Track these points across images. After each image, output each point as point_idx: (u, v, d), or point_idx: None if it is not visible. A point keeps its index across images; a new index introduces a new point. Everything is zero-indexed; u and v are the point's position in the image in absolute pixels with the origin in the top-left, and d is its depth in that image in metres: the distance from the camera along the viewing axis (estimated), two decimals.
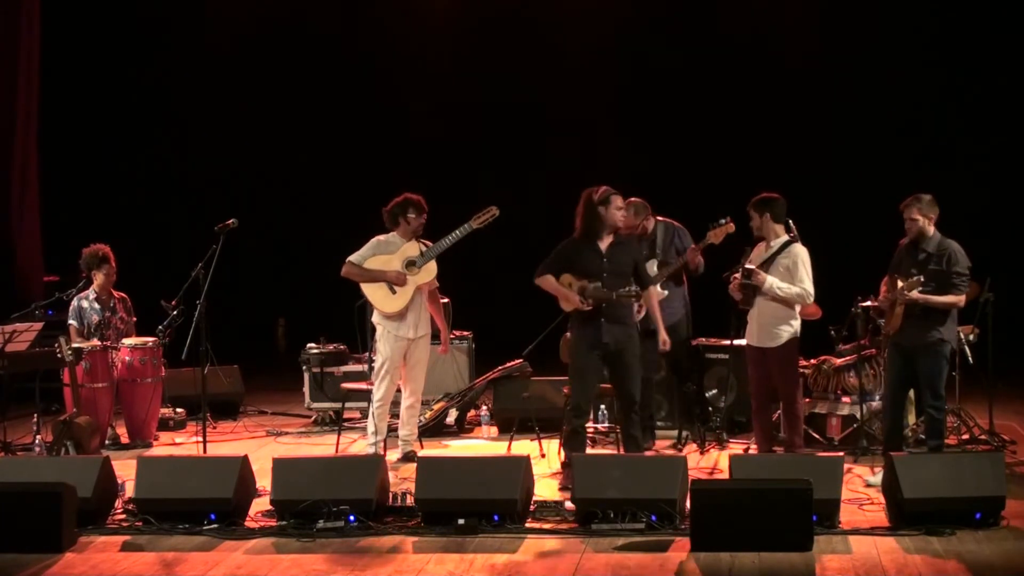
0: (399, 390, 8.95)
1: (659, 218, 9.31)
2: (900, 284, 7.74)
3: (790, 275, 8.10)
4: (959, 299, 7.81)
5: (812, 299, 8.17)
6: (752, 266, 8.14)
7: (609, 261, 7.95)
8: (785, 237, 8.24)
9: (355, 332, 9.65)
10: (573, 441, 7.99)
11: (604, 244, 7.97)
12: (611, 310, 7.93)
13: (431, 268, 8.75)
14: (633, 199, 9.04)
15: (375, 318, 8.86)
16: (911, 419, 8.67)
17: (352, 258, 8.76)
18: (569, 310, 8.00)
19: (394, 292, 8.70)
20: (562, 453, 8.18)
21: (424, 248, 8.77)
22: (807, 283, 8.11)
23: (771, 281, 8.07)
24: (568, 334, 8.24)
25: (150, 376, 9.76)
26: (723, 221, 8.56)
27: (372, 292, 8.76)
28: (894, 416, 8.07)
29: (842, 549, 6.47)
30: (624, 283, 7.90)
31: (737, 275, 8.33)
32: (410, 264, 8.72)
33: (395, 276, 8.70)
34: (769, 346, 8.17)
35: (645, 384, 9.17)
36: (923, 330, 7.81)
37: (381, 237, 8.85)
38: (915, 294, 7.68)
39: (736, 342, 8.75)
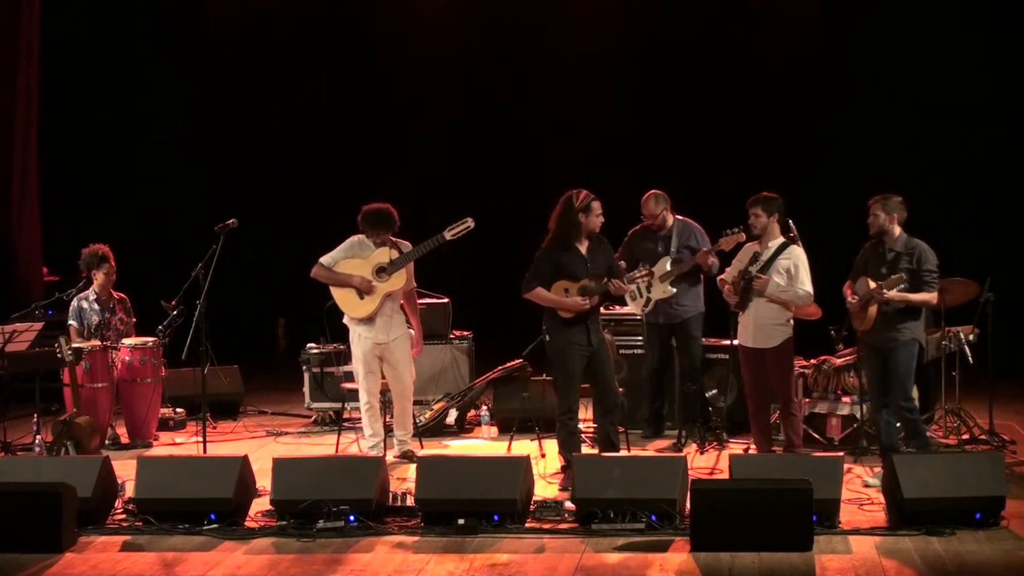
0: (387, 389, 8.91)
1: (678, 216, 9.37)
2: (872, 284, 7.74)
3: (791, 277, 8.10)
4: (932, 296, 7.84)
5: (812, 300, 8.18)
6: (753, 270, 8.13)
7: (591, 264, 7.98)
8: (781, 238, 8.24)
9: (332, 332, 9.63)
10: (571, 443, 7.99)
11: (584, 247, 7.99)
12: (594, 312, 8.02)
13: (401, 276, 8.62)
14: (655, 191, 9.29)
15: (346, 320, 8.78)
16: None
17: (323, 260, 8.67)
18: (570, 316, 7.97)
19: (362, 297, 8.63)
20: (560, 457, 8.18)
21: (396, 254, 8.65)
22: (808, 284, 8.12)
23: (773, 285, 8.07)
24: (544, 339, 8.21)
25: (150, 376, 9.76)
26: (736, 230, 8.57)
27: (340, 296, 8.68)
28: (885, 416, 8.05)
29: (842, 549, 6.48)
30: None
31: (725, 277, 8.32)
32: (380, 271, 8.62)
33: (359, 282, 8.59)
34: (766, 347, 8.16)
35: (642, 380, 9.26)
36: (895, 330, 7.82)
37: (356, 238, 8.74)
38: (895, 292, 7.67)
39: (736, 342, 8.75)
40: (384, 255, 8.64)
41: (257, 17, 14.87)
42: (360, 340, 8.68)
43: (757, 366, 8.23)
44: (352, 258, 8.66)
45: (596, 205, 7.98)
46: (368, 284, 8.58)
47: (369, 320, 8.62)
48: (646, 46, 14.63)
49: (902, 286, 7.65)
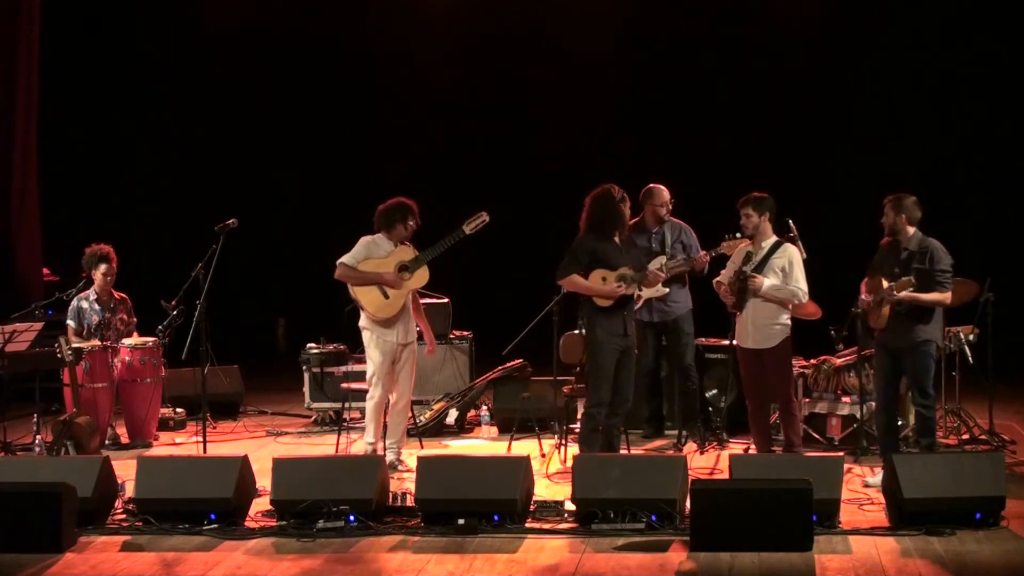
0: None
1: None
2: (886, 284, 7.73)
3: (785, 275, 8.10)
4: (945, 296, 7.82)
5: (807, 298, 8.18)
6: (747, 270, 8.12)
7: (628, 255, 7.97)
8: (774, 237, 8.24)
9: (351, 335, 9.59)
10: (592, 439, 7.97)
11: (618, 239, 8.00)
12: (631, 304, 8.00)
13: (424, 273, 8.60)
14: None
15: (363, 323, 8.65)
16: (911, 419, 8.65)
17: (345, 260, 8.55)
18: (608, 304, 7.93)
19: (387, 297, 8.55)
20: (563, 452, 8.17)
21: (415, 252, 8.61)
22: (803, 282, 8.12)
23: (768, 285, 8.06)
24: (579, 332, 8.14)
25: (150, 376, 9.76)
26: (739, 235, 8.50)
27: (365, 296, 8.55)
28: (888, 416, 8.06)
29: (842, 549, 6.47)
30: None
31: (721, 279, 8.31)
32: (403, 269, 8.56)
33: (392, 279, 8.52)
34: (765, 347, 8.16)
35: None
36: (909, 330, 7.81)
37: (368, 238, 8.66)
38: (904, 294, 7.67)
39: (735, 343, 8.75)
40: (405, 253, 8.59)
41: (258, 18, 14.88)
42: (381, 342, 8.55)
43: (756, 366, 8.22)
44: (369, 258, 8.58)
45: (627, 198, 8.10)
46: (398, 279, 8.50)
47: (392, 321, 8.58)
48: (645, 46, 14.64)
49: (910, 288, 7.64)
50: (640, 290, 8.88)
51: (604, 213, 7.97)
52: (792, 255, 8.16)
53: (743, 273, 8.11)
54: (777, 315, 8.13)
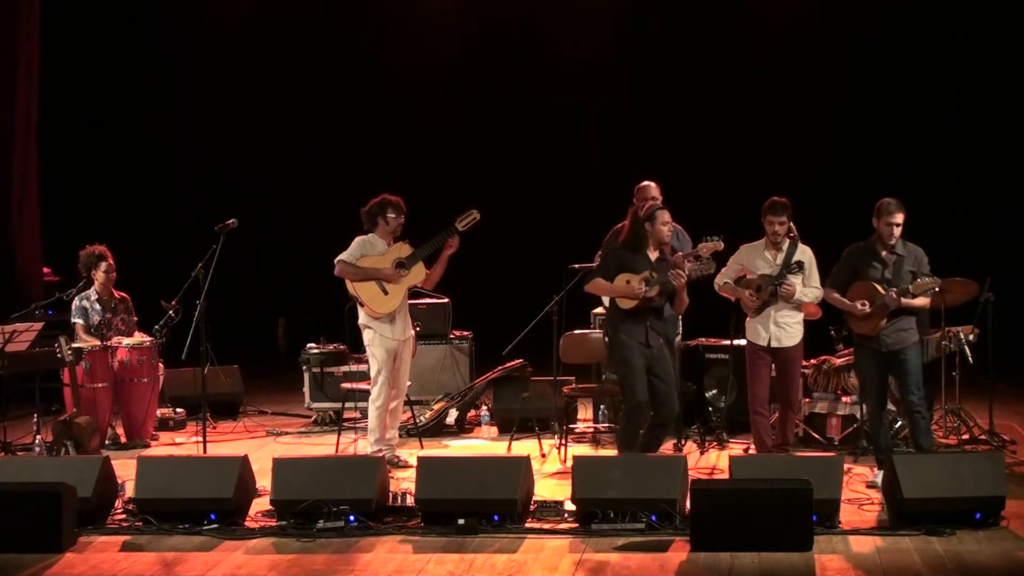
0: None
1: None
2: (881, 289, 7.71)
3: (805, 275, 8.17)
4: (929, 300, 7.89)
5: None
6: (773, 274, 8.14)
7: (658, 272, 7.95)
8: (787, 239, 8.27)
9: (351, 335, 9.60)
10: (633, 440, 7.94)
11: (653, 256, 8.00)
12: (656, 312, 7.98)
13: (420, 269, 8.68)
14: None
15: (363, 320, 8.70)
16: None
17: (344, 257, 8.64)
18: (631, 307, 7.93)
19: (386, 293, 8.63)
20: (563, 452, 8.15)
21: (411, 250, 8.68)
22: (819, 281, 8.19)
23: (799, 292, 8.11)
24: (604, 338, 8.07)
25: (147, 376, 9.76)
26: (716, 239, 8.39)
27: (365, 292, 8.63)
28: (882, 420, 8.04)
29: (842, 549, 6.48)
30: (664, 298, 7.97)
31: (730, 279, 8.29)
32: (400, 265, 8.65)
33: (390, 273, 8.62)
34: (788, 345, 8.19)
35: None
36: (904, 331, 7.85)
37: (362, 237, 8.75)
38: (920, 299, 7.69)
39: (736, 342, 8.75)
40: (401, 250, 8.68)
41: (258, 19, 14.88)
42: (382, 339, 8.64)
43: (766, 365, 8.24)
44: (366, 256, 8.67)
45: (661, 214, 7.97)
46: (396, 274, 8.60)
47: (391, 317, 8.64)
48: (645, 45, 14.63)
49: (934, 290, 7.67)
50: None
51: (631, 229, 8.03)
52: (810, 254, 8.22)
53: (776, 279, 8.12)
54: (797, 314, 8.24)
